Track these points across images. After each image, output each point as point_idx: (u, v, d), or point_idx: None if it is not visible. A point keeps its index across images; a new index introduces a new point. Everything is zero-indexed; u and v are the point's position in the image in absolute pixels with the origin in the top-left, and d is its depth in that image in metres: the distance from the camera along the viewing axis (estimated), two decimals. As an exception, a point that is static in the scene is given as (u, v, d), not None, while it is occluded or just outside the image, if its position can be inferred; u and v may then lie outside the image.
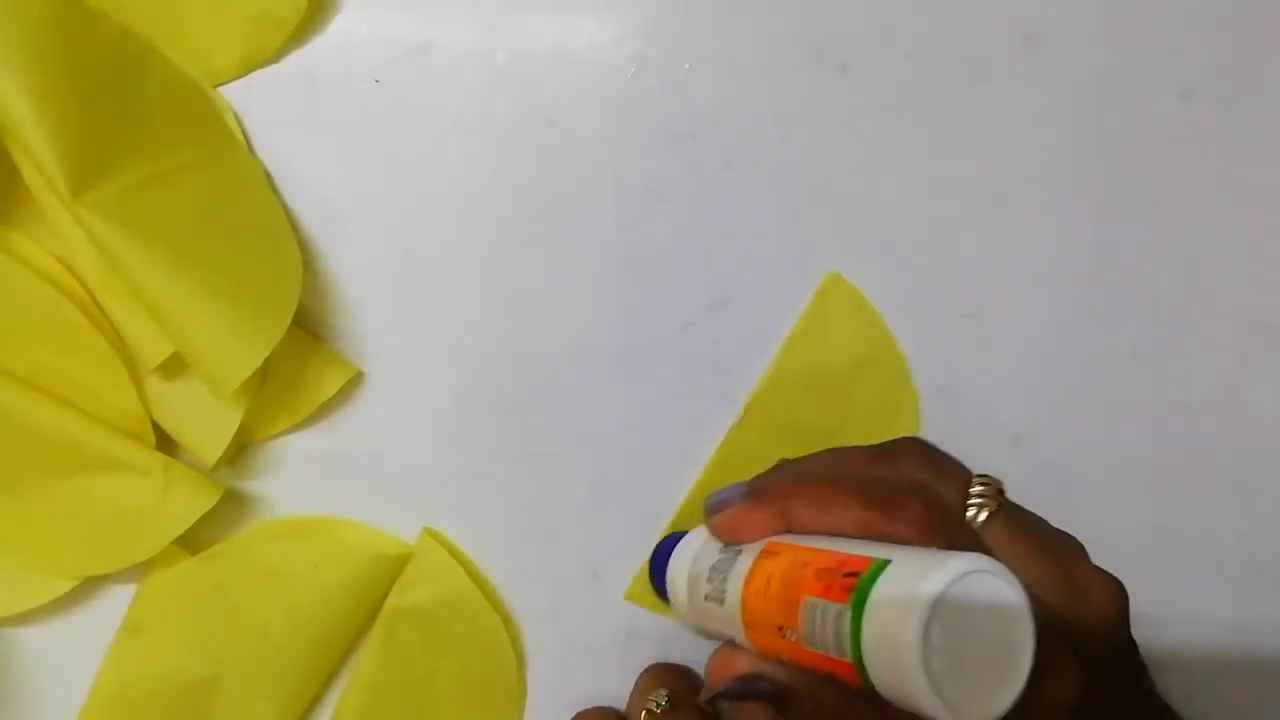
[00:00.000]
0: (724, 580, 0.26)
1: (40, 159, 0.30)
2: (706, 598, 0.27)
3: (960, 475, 0.26)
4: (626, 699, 0.33)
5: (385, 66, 0.35)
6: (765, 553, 0.25)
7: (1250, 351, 0.36)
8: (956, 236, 0.36)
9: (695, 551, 0.28)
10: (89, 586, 0.35)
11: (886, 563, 0.21)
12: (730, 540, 0.27)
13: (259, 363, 0.31)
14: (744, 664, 0.25)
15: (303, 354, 0.34)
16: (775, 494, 0.26)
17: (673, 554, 0.29)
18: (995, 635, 0.21)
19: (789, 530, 0.26)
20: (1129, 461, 0.35)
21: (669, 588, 0.29)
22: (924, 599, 0.20)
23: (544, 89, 0.35)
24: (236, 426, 0.33)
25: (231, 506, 0.35)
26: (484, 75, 0.35)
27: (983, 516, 0.25)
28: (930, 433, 0.35)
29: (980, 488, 0.26)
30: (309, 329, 0.35)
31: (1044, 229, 0.36)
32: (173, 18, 0.34)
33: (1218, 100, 0.36)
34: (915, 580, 0.20)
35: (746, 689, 0.25)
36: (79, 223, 0.31)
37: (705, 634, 0.28)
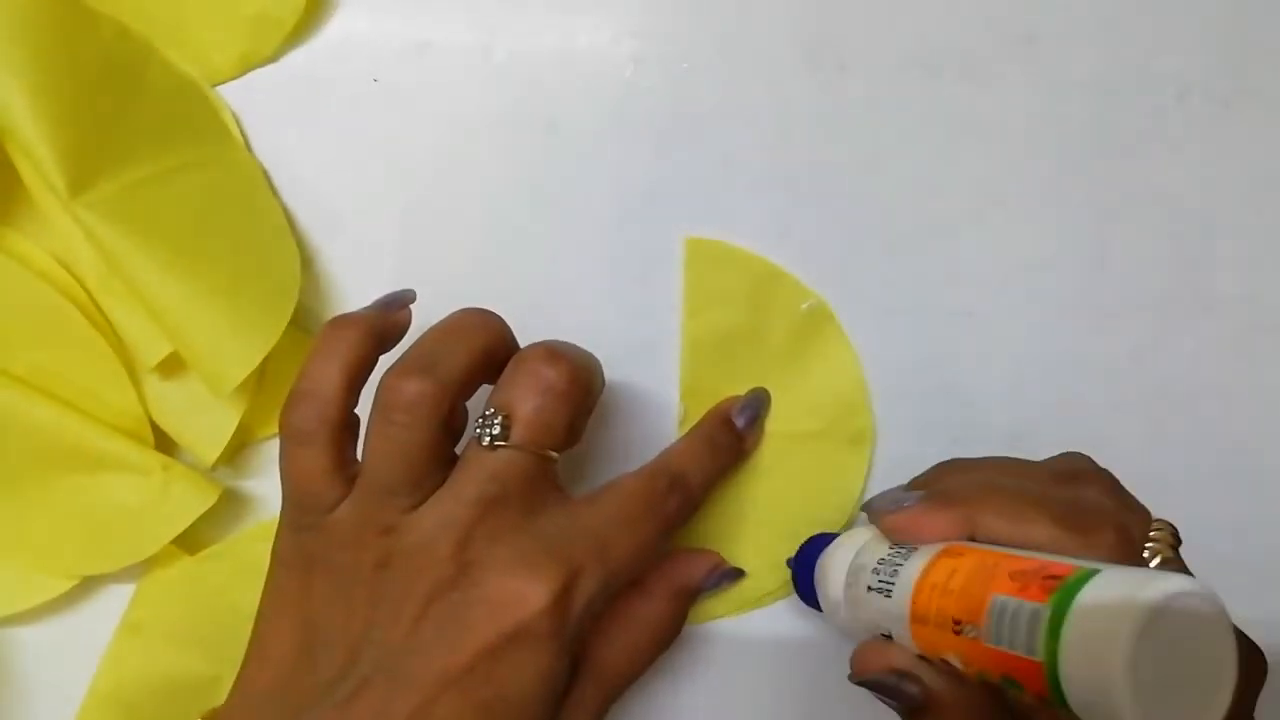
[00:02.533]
0: (894, 574, 0.26)
1: (38, 158, 0.30)
2: (869, 589, 0.27)
3: (1143, 513, 0.27)
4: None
5: (384, 66, 0.35)
6: (946, 552, 0.25)
7: (1250, 351, 0.36)
8: (956, 236, 0.35)
9: (858, 547, 0.29)
10: (87, 586, 0.35)
11: (1095, 571, 0.21)
12: (907, 540, 0.27)
13: (258, 362, 0.31)
14: (899, 658, 0.26)
15: (301, 353, 0.34)
16: (961, 500, 0.26)
17: (827, 548, 0.30)
18: (1201, 660, 0.20)
19: (972, 538, 0.26)
20: (1128, 462, 0.35)
21: (822, 580, 0.30)
22: (1139, 609, 0.20)
23: (542, 88, 0.35)
24: (235, 426, 0.33)
25: (230, 506, 0.35)
26: (482, 75, 0.35)
27: (1154, 562, 0.26)
28: (931, 432, 0.35)
29: (1157, 531, 0.26)
30: (307, 328, 0.35)
31: (1044, 229, 0.36)
32: (172, 17, 0.34)
33: (1218, 100, 0.36)
34: (1128, 591, 0.20)
35: (894, 685, 0.25)
36: (77, 222, 0.31)
37: (852, 630, 0.28)
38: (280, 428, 0.28)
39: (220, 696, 0.34)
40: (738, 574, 0.34)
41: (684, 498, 0.30)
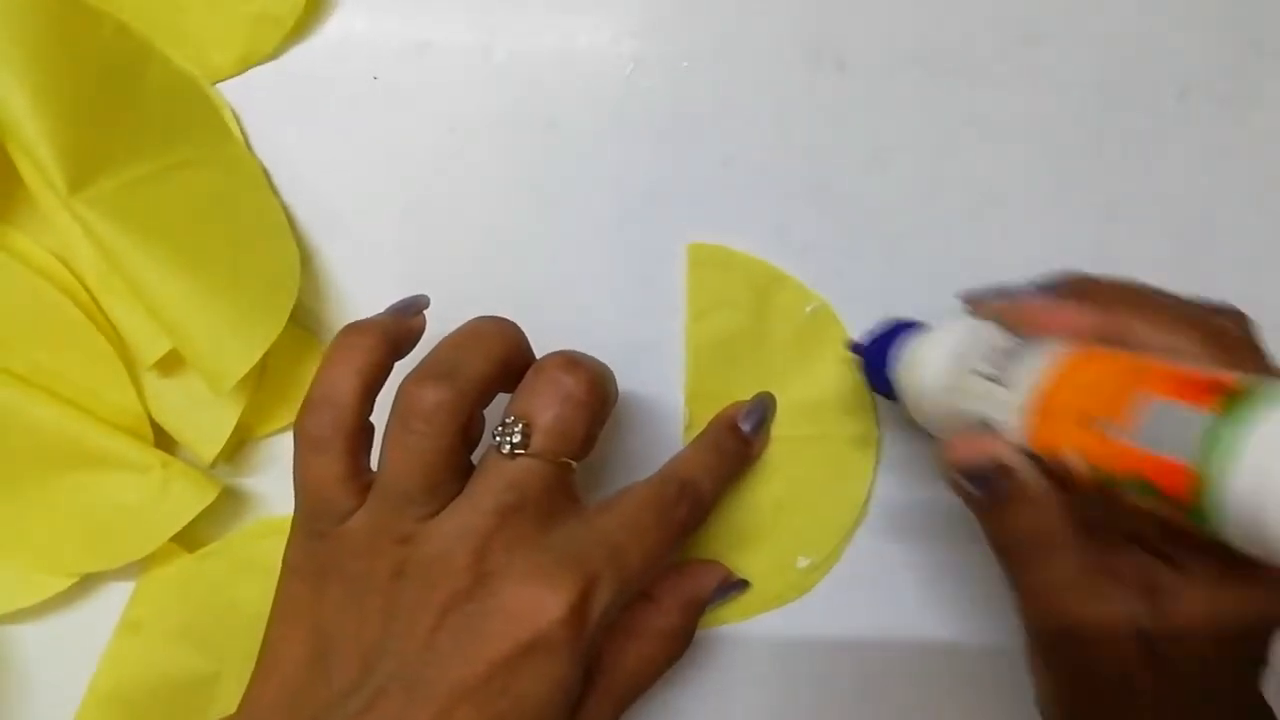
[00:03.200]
0: (1016, 362, 0.26)
1: (38, 156, 0.30)
2: (980, 375, 0.26)
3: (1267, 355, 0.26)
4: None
5: (383, 64, 0.35)
6: (1084, 349, 0.25)
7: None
8: (956, 236, 0.35)
9: (961, 335, 0.28)
10: (86, 584, 0.35)
11: (1275, 387, 0.21)
12: (1039, 332, 0.27)
13: (257, 359, 0.31)
14: (1004, 450, 0.25)
15: (300, 351, 0.34)
16: (1107, 300, 0.26)
17: (921, 334, 0.29)
18: None
19: (1113, 341, 0.26)
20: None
21: (912, 365, 0.29)
22: None
23: (542, 88, 0.35)
24: (234, 423, 0.33)
25: (230, 503, 0.35)
26: (482, 74, 0.35)
27: None
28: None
29: None
30: (306, 326, 0.35)
31: (1044, 228, 0.36)
32: (171, 16, 0.34)
33: (1218, 100, 0.36)
34: None
35: (988, 475, 0.25)
36: (77, 219, 0.31)
37: (934, 419, 0.28)
38: (295, 435, 0.28)
39: (220, 694, 0.34)
40: (743, 585, 0.34)
41: (694, 504, 0.30)
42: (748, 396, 0.35)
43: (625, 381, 0.35)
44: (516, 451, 0.27)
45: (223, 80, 0.35)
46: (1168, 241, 0.36)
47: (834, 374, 0.35)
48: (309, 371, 0.34)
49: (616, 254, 0.35)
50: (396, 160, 0.35)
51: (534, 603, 0.26)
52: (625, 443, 0.35)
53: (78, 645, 0.34)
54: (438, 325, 0.34)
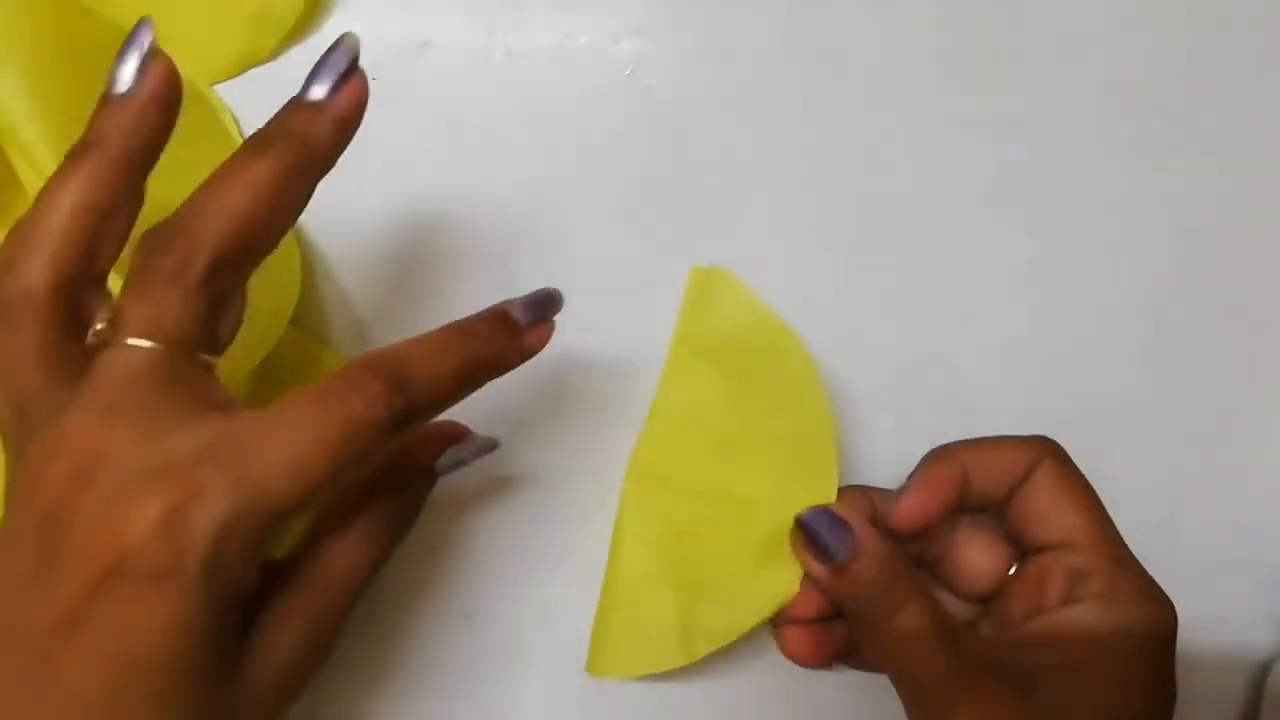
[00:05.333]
0: None
1: (37, 158, 0.30)
2: None
3: None
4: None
5: (382, 65, 0.35)
6: None
7: (1251, 351, 0.36)
8: (957, 236, 0.35)
9: None
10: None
11: None
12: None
13: (256, 362, 0.31)
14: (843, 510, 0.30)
15: (300, 353, 0.34)
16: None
17: None
18: None
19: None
20: (1129, 461, 0.35)
21: None
22: None
23: (541, 87, 0.35)
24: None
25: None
26: (481, 73, 0.35)
27: None
28: (931, 433, 0.35)
29: None
30: (306, 328, 0.35)
31: (1045, 229, 0.36)
32: (170, 16, 0.34)
33: (1219, 100, 0.36)
34: None
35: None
36: (75, 222, 0.30)
37: None
38: None
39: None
40: (490, 443, 0.31)
41: (388, 392, 0.23)
42: (713, 428, 0.32)
43: (624, 380, 0.35)
44: (106, 342, 0.23)
45: (221, 81, 0.35)
46: (1168, 241, 0.36)
47: (804, 431, 0.32)
48: (308, 374, 0.34)
49: (616, 254, 0.35)
50: (396, 160, 0.35)
51: (110, 523, 0.21)
52: (623, 435, 0.35)
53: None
54: (434, 322, 0.34)
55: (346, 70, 0.25)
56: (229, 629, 0.23)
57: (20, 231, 0.24)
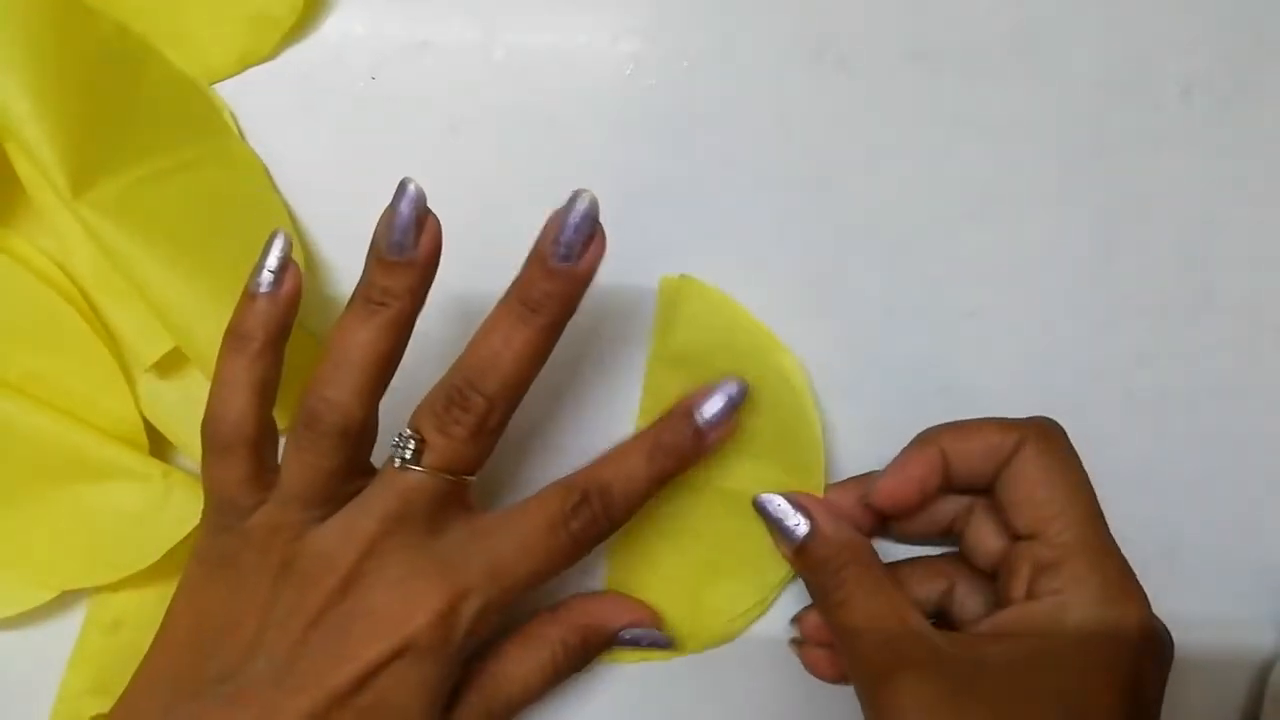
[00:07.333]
0: None
1: (40, 158, 0.30)
2: None
3: None
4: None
5: (382, 64, 0.35)
6: None
7: (1251, 351, 0.36)
8: (957, 236, 0.35)
9: None
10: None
11: None
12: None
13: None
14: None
15: (302, 352, 0.34)
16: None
17: None
18: None
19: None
20: (1130, 461, 0.35)
21: None
22: None
23: (541, 87, 0.35)
24: (233, 425, 0.33)
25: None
26: (481, 73, 0.35)
27: None
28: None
29: None
30: (308, 327, 0.35)
31: (1044, 228, 0.36)
32: (170, 16, 0.34)
33: (1218, 100, 0.36)
34: None
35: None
36: (81, 222, 0.31)
37: None
38: (201, 440, 0.29)
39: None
40: (665, 642, 0.33)
41: (597, 513, 0.29)
42: None
43: (623, 381, 0.35)
44: (409, 466, 0.28)
45: (221, 81, 0.35)
46: (1168, 241, 0.36)
47: (791, 433, 0.33)
48: (310, 372, 0.34)
49: (616, 253, 0.35)
50: (395, 159, 0.35)
51: (403, 608, 0.27)
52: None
53: (45, 650, 0.34)
54: (438, 326, 0.34)
55: (591, 232, 0.29)
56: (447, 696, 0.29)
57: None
